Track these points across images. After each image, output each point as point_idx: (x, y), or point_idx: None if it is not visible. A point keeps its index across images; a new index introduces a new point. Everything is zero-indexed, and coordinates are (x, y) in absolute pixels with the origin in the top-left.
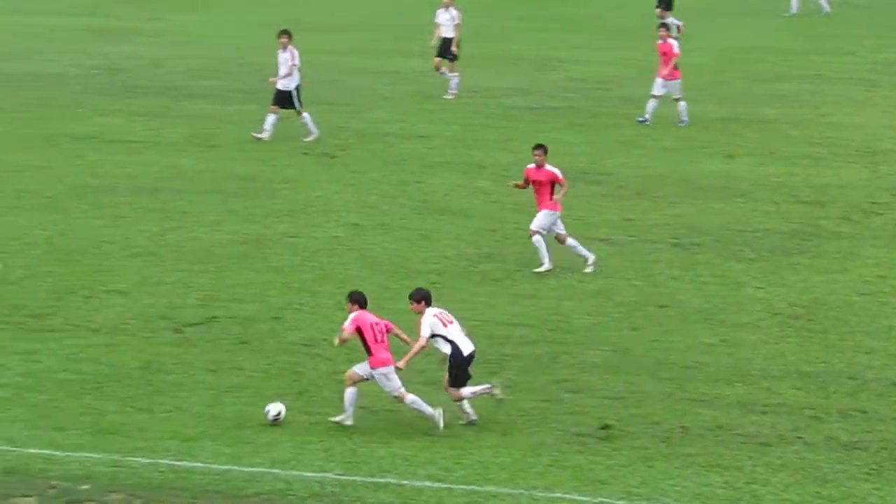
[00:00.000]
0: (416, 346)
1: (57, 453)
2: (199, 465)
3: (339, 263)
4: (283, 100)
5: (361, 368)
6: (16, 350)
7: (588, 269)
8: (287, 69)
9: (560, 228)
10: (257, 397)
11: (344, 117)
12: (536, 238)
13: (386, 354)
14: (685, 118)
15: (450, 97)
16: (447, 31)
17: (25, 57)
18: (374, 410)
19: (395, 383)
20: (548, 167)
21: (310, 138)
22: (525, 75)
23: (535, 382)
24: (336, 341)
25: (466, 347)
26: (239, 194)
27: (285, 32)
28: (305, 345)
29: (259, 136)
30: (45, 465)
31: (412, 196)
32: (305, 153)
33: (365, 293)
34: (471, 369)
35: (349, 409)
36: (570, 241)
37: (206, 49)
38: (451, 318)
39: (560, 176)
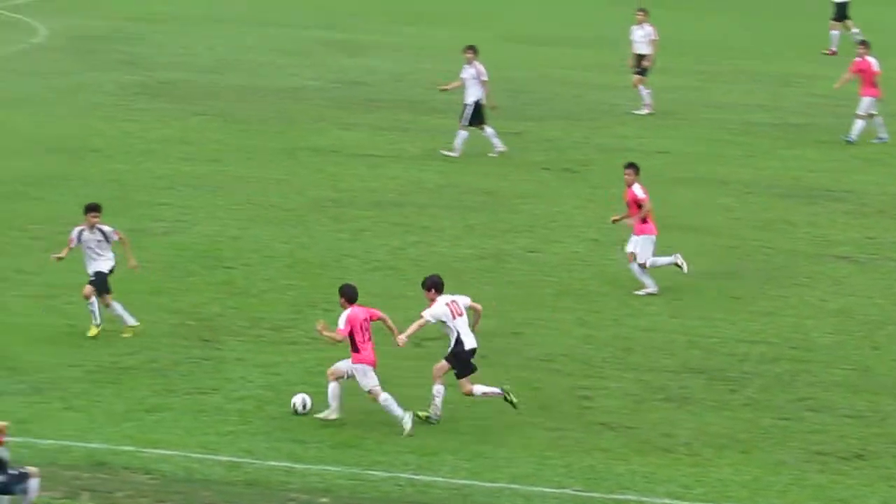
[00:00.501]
0: (415, 325)
1: (297, 466)
2: (439, 479)
3: (579, 279)
4: (480, 115)
5: (345, 364)
6: (257, 363)
7: (639, 292)
8: (475, 84)
9: (631, 247)
10: (497, 412)
11: (584, 132)
12: (633, 266)
13: (370, 354)
14: (884, 135)
15: (644, 112)
16: (641, 48)
17: (266, 71)
18: (612, 427)
19: (371, 380)
20: (633, 188)
21: (453, 154)
22: (768, 91)
23: (776, 400)
24: (327, 335)
25: (469, 342)
26: (479, 209)
27: (471, 48)
28: (544, 360)
29: (495, 153)
30: (285, 477)
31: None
32: (546, 168)
33: (355, 287)
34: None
35: (333, 404)
36: (635, 266)
37: (446, 63)
38: (462, 310)
39: (641, 196)
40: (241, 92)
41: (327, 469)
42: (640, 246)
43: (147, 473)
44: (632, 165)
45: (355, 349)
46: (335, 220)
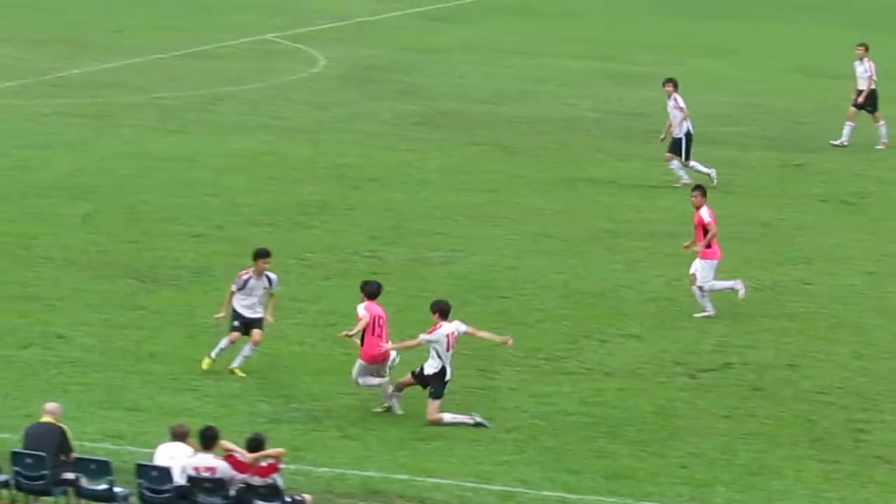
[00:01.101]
0: (410, 342)
1: (570, 496)
2: None
3: (855, 311)
4: (676, 147)
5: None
6: (532, 392)
7: (698, 315)
8: (678, 117)
9: (694, 269)
10: (771, 444)
11: (862, 164)
12: (694, 288)
13: (377, 350)
14: None
15: (881, 147)
16: (863, 84)
17: (543, 101)
18: (888, 460)
19: (358, 371)
20: (701, 210)
21: (680, 183)
22: None
23: None
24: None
25: (450, 373)
26: (755, 240)
27: (670, 81)
28: (820, 392)
29: (679, 184)
30: None
31: None
32: (823, 200)
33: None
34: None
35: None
36: (695, 288)
37: (728, 95)
38: (455, 342)
39: (707, 220)
40: (517, 122)
41: (601, 499)
42: (702, 270)
43: (421, 502)
44: (699, 188)
45: (362, 342)
46: (610, 251)
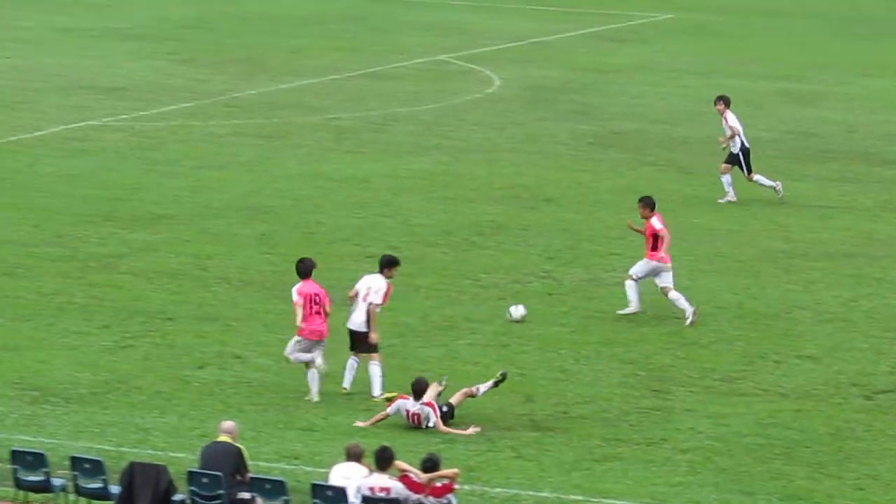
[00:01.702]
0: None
1: None
2: None
3: None
4: (734, 161)
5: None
6: (707, 413)
7: (687, 322)
8: (729, 133)
9: (663, 282)
10: None
11: None
12: (627, 282)
13: (315, 325)
14: None
15: None
16: None
17: (719, 121)
18: None
19: (290, 347)
20: (652, 220)
21: (724, 199)
22: None
23: None
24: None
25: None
26: None
27: (720, 99)
28: None
29: (723, 199)
30: None
31: None
32: None
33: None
34: None
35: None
36: (672, 294)
37: None
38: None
39: (658, 227)
40: (692, 142)
41: None
42: (642, 267)
43: None
44: (645, 199)
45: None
46: (786, 272)
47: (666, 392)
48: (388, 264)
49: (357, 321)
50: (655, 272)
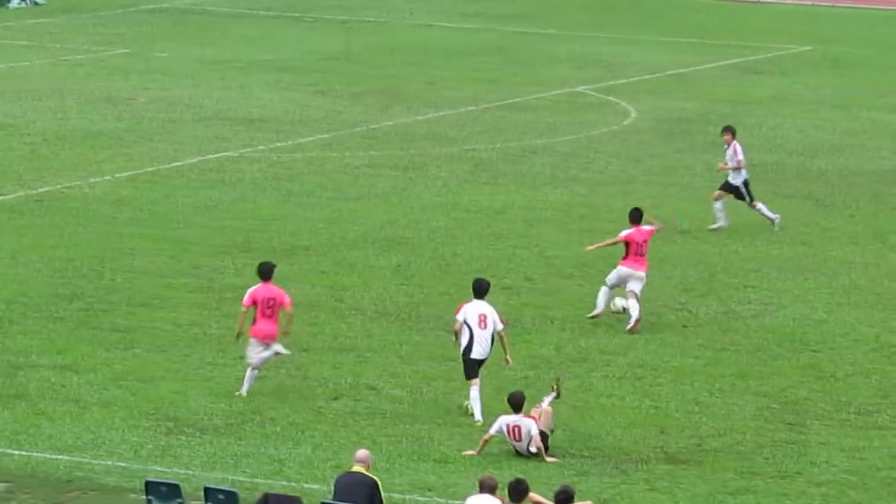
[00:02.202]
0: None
1: None
2: None
3: None
4: (731, 189)
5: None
6: (842, 446)
7: (629, 327)
8: (734, 164)
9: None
10: None
11: None
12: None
13: (265, 328)
14: None
15: None
16: None
17: (856, 153)
18: None
19: (249, 351)
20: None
21: (714, 226)
22: None
23: None
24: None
25: (477, 352)
26: None
27: (727, 129)
28: None
29: (713, 226)
30: None
31: None
32: None
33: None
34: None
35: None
36: (633, 302)
37: None
38: (490, 324)
39: (622, 236)
40: (829, 175)
41: None
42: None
43: None
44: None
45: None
46: None
47: (800, 425)
48: (488, 288)
49: (483, 351)
50: (627, 279)
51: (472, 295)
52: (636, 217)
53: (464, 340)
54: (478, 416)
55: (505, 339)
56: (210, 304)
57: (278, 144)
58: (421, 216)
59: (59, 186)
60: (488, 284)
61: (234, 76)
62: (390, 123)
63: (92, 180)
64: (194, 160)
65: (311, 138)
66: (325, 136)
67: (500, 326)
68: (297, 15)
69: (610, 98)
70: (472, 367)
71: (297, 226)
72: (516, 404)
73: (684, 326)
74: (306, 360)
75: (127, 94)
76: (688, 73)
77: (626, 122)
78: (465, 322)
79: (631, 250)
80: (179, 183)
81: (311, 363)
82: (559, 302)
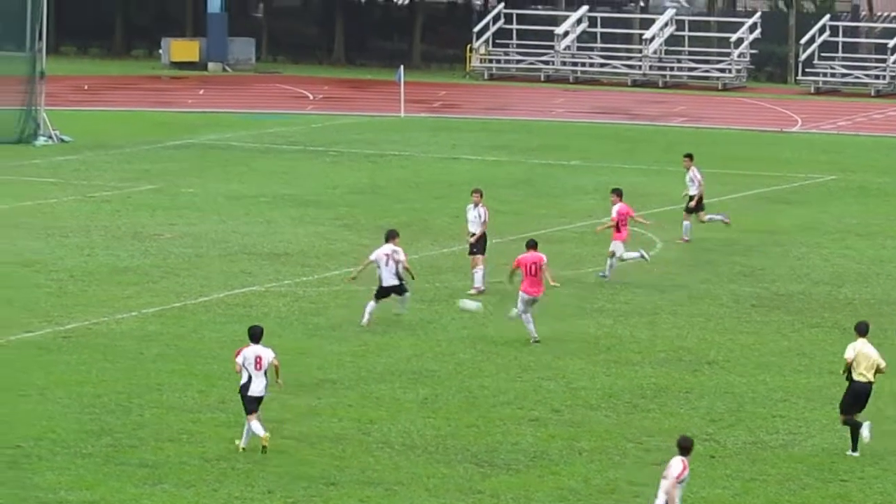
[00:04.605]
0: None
1: None
2: None
3: None
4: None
5: None
6: None
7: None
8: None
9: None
10: None
11: None
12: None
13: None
14: None
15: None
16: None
17: (882, 282)
18: None
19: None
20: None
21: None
22: None
23: None
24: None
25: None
26: None
27: (688, 156)
28: None
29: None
30: None
31: None
32: None
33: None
34: None
35: None
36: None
37: None
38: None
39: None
40: (857, 304)
41: None
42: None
43: None
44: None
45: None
46: None
47: None
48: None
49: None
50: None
51: None
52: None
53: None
54: None
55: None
56: (237, 439)
57: (304, 278)
58: (447, 349)
59: (86, 323)
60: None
61: (260, 211)
62: (416, 256)
63: (119, 316)
64: (221, 295)
65: (337, 272)
66: (351, 269)
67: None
68: (321, 149)
69: (635, 230)
70: None
71: (324, 359)
72: (685, 447)
73: (712, 457)
74: (334, 494)
75: (153, 229)
76: (713, 203)
77: (651, 252)
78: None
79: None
80: (206, 318)
81: (339, 497)
82: (586, 433)
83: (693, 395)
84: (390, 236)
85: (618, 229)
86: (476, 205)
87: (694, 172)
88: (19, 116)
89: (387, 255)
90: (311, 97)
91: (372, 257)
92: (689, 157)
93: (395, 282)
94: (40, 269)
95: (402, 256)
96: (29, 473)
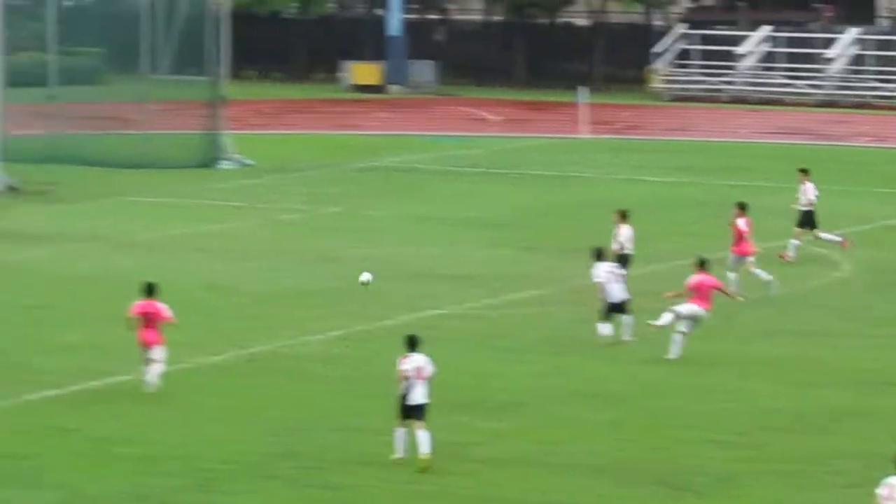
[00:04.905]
0: None
1: None
2: None
3: None
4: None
5: None
6: None
7: None
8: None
9: None
10: None
11: None
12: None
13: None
14: None
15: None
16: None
17: None
18: None
19: None
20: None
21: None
22: None
23: None
24: None
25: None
26: None
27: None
28: None
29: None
30: None
31: None
32: None
33: None
34: None
35: None
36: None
37: None
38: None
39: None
40: None
41: None
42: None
43: None
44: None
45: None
46: None
47: None
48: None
49: None
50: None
51: None
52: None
53: None
54: None
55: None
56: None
57: (488, 301)
58: (630, 370)
59: (271, 346)
60: None
61: (442, 233)
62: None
63: (303, 339)
64: (405, 318)
65: (520, 294)
66: (536, 292)
67: None
68: (502, 171)
69: (821, 250)
70: None
71: (509, 382)
72: None
73: None
74: None
75: (336, 252)
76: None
77: (836, 275)
78: None
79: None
80: (390, 341)
81: None
82: (773, 456)
83: (881, 417)
84: (598, 255)
85: (739, 243)
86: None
87: (806, 187)
88: (202, 140)
89: (609, 273)
90: (492, 119)
91: (601, 279)
92: (804, 171)
93: (625, 296)
94: (224, 292)
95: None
96: (218, 496)
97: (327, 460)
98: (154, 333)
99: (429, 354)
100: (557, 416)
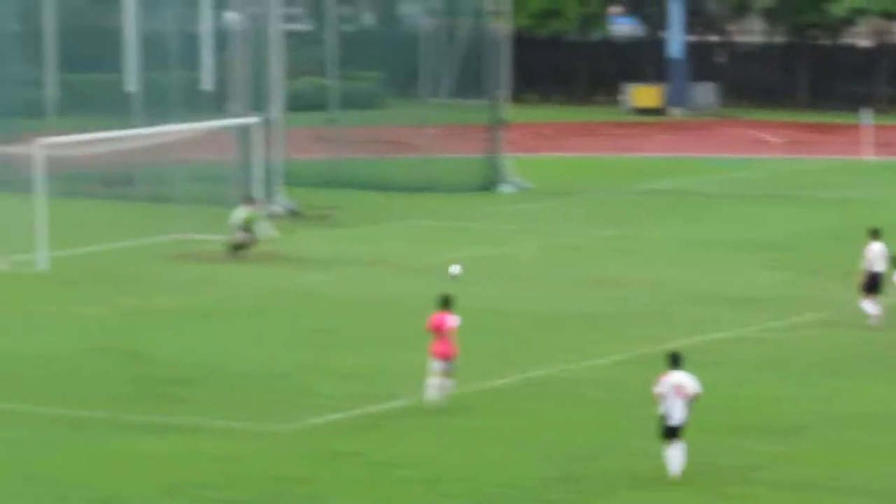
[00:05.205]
0: None
1: None
2: None
3: None
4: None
5: None
6: None
7: None
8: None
9: None
10: None
11: None
12: None
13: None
14: None
15: None
16: None
17: None
18: None
19: None
20: None
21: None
22: None
23: None
24: None
25: None
26: None
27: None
28: None
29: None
30: None
31: None
32: None
33: None
34: None
35: None
36: None
37: None
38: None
39: None
40: None
41: None
42: None
43: None
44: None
45: None
46: None
47: None
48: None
49: None
50: None
51: None
52: None
53: None
54: None
55: None
56: (704, 487)
57: (773, 324)
58: None
59: (552, 370)
60: None
61: (724, 256)
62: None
63: (586, 363)
64: (689, 341)
65: (803, 317)
66: (818, 315)
67: None
68: (785, 193)
69: None
70: None
71: (794, 405)
72: None
73: None
74: None
75: (617, 275)
76: None
77: None
78: None
79: None
80: None
81: None
82: None
83: None
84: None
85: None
86: None
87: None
88: (481, 164)
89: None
90: (774, 141)
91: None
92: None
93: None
94: (504, 316)
95: None
96: None
97: (609, 485)
98: (446, 345)
99: (711, 377)
100: (840, 440)
